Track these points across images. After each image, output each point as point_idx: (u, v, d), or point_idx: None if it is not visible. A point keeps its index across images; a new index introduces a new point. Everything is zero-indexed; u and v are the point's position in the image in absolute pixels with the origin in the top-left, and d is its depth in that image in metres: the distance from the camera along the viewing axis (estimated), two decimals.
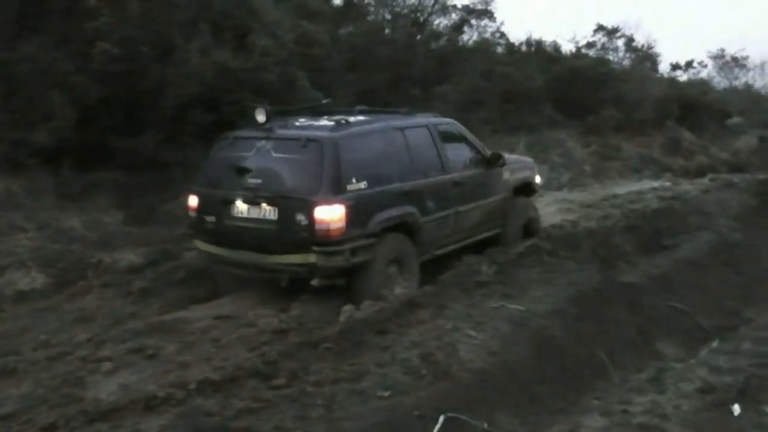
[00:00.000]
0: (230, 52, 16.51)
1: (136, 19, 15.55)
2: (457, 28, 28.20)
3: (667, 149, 29.31)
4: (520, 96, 26.36)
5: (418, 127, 12.61)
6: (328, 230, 10.49)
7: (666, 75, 41.96)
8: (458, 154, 13.13)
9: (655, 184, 22.66)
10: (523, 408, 8.65)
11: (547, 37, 34.67)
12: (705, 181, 23.00)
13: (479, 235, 13.55)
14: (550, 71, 29.29)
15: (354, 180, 10.84)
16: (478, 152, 13.56)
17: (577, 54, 34.14)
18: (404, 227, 11.62)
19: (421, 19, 26.19)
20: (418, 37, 26.11)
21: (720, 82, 53.36)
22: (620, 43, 38.82)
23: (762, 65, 56.87)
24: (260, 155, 11.19)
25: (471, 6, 28.28)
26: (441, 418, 7.79)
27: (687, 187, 21.69)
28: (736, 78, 54.96)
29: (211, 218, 11.41)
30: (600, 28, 38.03)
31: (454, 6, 27.68)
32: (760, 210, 18.09)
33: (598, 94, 28.87)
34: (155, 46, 15.88)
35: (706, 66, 49.32)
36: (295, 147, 10.98)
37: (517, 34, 33.37)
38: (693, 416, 8.32)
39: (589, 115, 27.69)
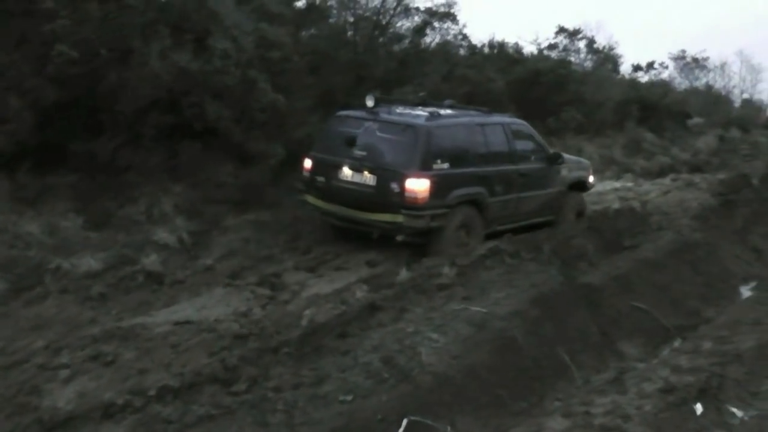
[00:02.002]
0: (190, 55, 16.35)
1: (95, 21, 15.35)
2: (420, 30, 28.04)
3: (628, 150, 29.39)
4: (482, 97, 26.29)
5: (495, 124, 15.32)
6: (415, 198, 13.26)
7: (627, 76, 42.08)
8: (525, 149, 15.71)
9: (617, 184, 22.75)
10: (486, 410, 8.63)
11: (510, 39, 34.55)
12: (666, 181, 23.13)
13: (535, 219, 15.83)
14: (512, 73, 29.26)
15: (439, 161, 13.65)
16: (543, 150, 16.11)
17: (539, 56, 34.15)
18: (475, 203, 14.25)
19: (384, 21, 26.05)
20: (380, 39, 26.00)
21: (681, 83, 53.61)
22: (582, 44, 38.87)
23: (722, 66, 57.29)
24: (367, 133, 14.02)
25: (433, 8, 28.20)
26: (404, 422, 7.76)
27: (648, 187, 21.81)
28: (697, 79, 55.28)
29: (321, 179, 14.28)
30: (562, 29, 38.06)
31: (417, 8, 27.55)
32: (721, 210, 18.17)
33: (559, 95, 28.86)
34: (114, 49, 15.69)
35: (667, 67, 49.46)
36: (395, 130, 13.88)
37: (479, 36, 33.38)
38: (655, 417, 8.33)
39: (550, 116, 27.69)
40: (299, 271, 13.27)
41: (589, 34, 38.75)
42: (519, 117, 17.12)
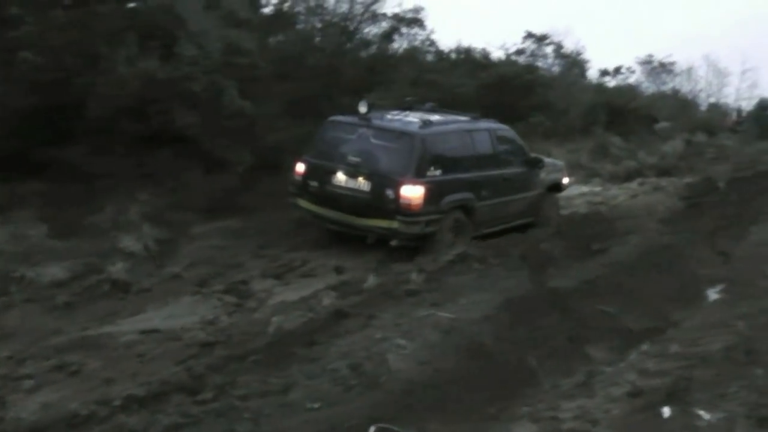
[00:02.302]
0: (157, 62, 16.25)
1: (61, 28, 15.24)
2: (387, 36, 28.07)
3: (595, 155, 29.41)
4: (450, 103, 26.30)
5: (482, 130, 15.82)
6: (410, 204, 13.68)
7: (595, 81, 42.20)
8: (509, 154, 16.26)
9: (584, 189, 22.77)
10: (454, 416, 8.57)
11: (477, 45, 34.61)
12: (633, 185, 23.21)
13: (518, 221, 16.28)
14: (480, 78, 29.26)
15: (432, 168, 14.08)
16: (524, 154, 16.63)
17: (507, 61, 34.17)
18: (464, 208, 14.65)
19: (351, 27, 26.03)
20: (348, 45, 25.97)
21: (648, 87, 53.80)
22: (549, 50, 38.95)
23: (689, 70, 57.58)
24: (361, 139, 14.39)
25: (401, 14, 28.18)
26: (371, 429, 7.69)
27: (615, 191, 21.87)
28: (664, 83, 55.54)
29: (314, 183, 14.58)
30: (529, 35, 38.11)
31: (384, 14, 27.53)
32: (688, 213, 18.26)
33: (527, 100, 28.92)
34: (80, 56, 15.58)
35: (634, 72, 49.65)
36: (390, 137, 14.28)
37: (447, 42, 33.32)
38: (622, 420, 8.31)
39: (518, 121, 27.67)
40: (267, 279, 13.19)
41: (556, 40, 38.85)
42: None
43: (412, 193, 13.69)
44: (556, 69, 38.04)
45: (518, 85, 29.24)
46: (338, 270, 13.54)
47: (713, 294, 14.61)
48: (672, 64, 55.67)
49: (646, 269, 14.13)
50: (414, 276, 11.82)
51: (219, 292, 12.31)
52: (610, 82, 43.51)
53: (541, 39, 38.03)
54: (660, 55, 55.90)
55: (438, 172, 14.19)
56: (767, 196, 22.82)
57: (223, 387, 8.43)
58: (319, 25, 24.66)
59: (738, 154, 33.02)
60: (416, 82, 25.79)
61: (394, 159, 14.07)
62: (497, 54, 35.14)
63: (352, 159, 14.28)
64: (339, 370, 8.77)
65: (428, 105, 16.81)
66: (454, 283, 11.75)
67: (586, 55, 40.75)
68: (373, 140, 14.34)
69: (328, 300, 11.16)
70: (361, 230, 14.23)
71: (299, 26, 24.35)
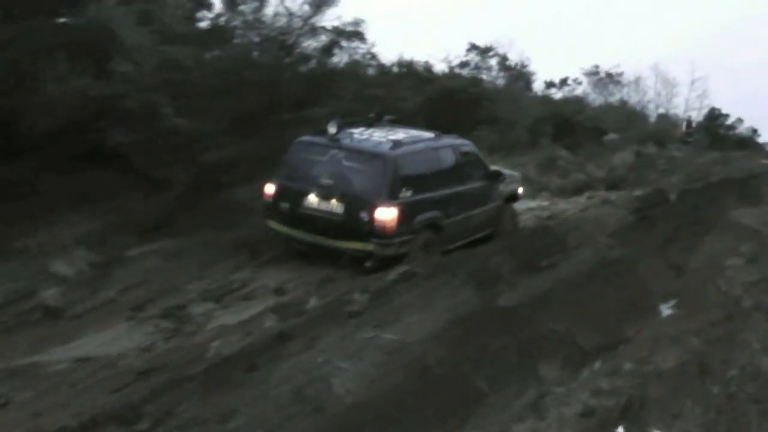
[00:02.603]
0: (90, 79, 16.06)
1: None
2: (327, 50, 27.96)
3: (542, 168, 29.59)
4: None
5: (446, 147, 16.39)
6: (384, 227, 14.15)
7: (540, 93, 42.49)
8: (471, 169, 16.84)
9: (532, 204, 22.84)
10: None
11: (420, 57, 34.74)
12: (582, 199, 23.33)
13: (480, 233, 16.89)
14: (423, 92, 29.33)
15: (404, 189, 14.58)
16: (485, 168, 17.29)
17: (450, 74, 34.30)
18: (433, 226, 15.20)
19: (290, 41, 25.95)
20: (287, 59, 25.89)
21: (595, 98, 54.27)
22: (494, 62, 39.17)
23: (636, 81, 58.14)
24: (333, 161, 14.82)
25: (341, 27, 28.14)
26: None
27: (564, 205, 21.97)
28: (611, 94, 56.02)
29: (285, 205, 14.93)
30: (473, 47, 38.32)
31: (324, 28, 27.48)
32: (638, 226, 18.32)
33: (472, 114, 29.02)
34: (10, 74, 15.37)
35: (581, 83, 50.14)
36: (362, 159, 14.75)
37: (388, 55, 33.39)
38: None
39: (464, 136, 27.79)
40: (205, 302, 13.07)
41: (500, 52, 39.10)
42: None
43: (386, 215, 14.19)
44: (501, 81, 38.27)
45: (463, 99, 29.33)
46: (279, 291, 13.44)
47: (666, 308, 14.65)
48: (619, 74, 56.16)
49: (596, 284, 14.13)
50: (357, 296, 11.72)
51: (155, 317, 12.19)
52: (557, 94, 43.99)
53: (484, 51, 38.28)
54: (607, 66, 56.50)
55: (409, 193, 14.68)
56: (719, 207, 23.06)
57: (160, 416, 8.28)
58: (256, 40, 24.55)
59: (689, 165, 33.37)
60: (358, 97, 25.75)
61: (366, 181, 14.57)
62: (440, 67, 35.30)
63: (325, 181, 14.69)
64: (281, 395, 8.66)
65: (387, 118, 17.30)
66: (399, 303, 11.66)
67: (531, 67, 41.07)
68: (345, 162, 14.80)
69: (268, 323, 11.07)
70: (333, 252, 14.61)
71: (237, 41, 24.22)
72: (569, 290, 13.45)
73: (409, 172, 14.92)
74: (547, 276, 13.78)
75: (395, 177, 14.53)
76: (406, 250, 14.46)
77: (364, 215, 14.24)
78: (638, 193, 22.40)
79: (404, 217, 14.40)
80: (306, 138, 15.74)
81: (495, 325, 11.42)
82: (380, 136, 15.54)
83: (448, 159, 16.29)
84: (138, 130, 16.20)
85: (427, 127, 20.60)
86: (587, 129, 36.42)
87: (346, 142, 15.18)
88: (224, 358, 9.69)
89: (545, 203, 22.81)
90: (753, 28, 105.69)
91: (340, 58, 28.10)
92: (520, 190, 19.20)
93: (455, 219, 15.86)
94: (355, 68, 28.10)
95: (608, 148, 35.53)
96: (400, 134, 15.88)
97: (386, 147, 14.93)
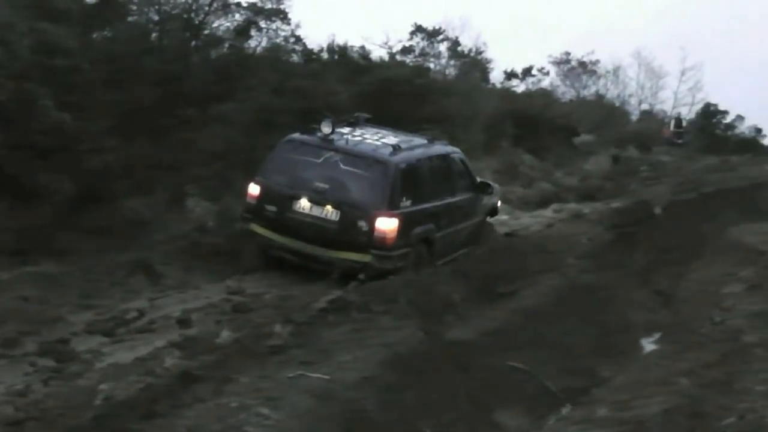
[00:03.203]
0: None
1: None
2: (242, 31, 27.95)
3: (502, 175, 29.89)
4: (322, 115, 26.36)
5: (440, 155, 17.77)
6: (384, 238, 15.24)
7: (500, 85, 42.80)
8: (460, 180, 18.18)
9: (489, 218, 23.11)
10: None
11: (354, 42, 34.77)
12: (548, 212, 23.61)
13: (464, 248, 18.00)
14: (359, 83, 29.46)
15: (404, 198, 15.75)
16: (472, 179, 18.68)
17: (391, 62, 34.46)
18: (426, 240, 16.31)
19: (197, 20, 25.92)
20: (194, 43, 25.87)
21: (566, 92, 54.86)
22: (443, 47, 39.44)
23: (615, 71, 58.75)
24: (328, 164, 15.81)
25: (259, 4, 28.10)
26: None
27: (527, 220, 22.22)
28: (585, 87, 56.57)
29: (272, 208, 15.85)
30: (418, 29, 38.57)
31: (238, 4, 27.44)
32: (616, 246, 18.62)
33: (418, 110, 29.16)
34: None
35: (548, 73, 50.65)
36: (362, 164, 15.74)
37: (316, 39, 33.38)
38: None
39: None
40: (94, 336, 13.04)
41: (451, 35, 39.39)
42: None
43: (387, 225, 15.30)
44: (452, 71, 38.53)
45: (406, 92, 29.45)
46: (183, 323, 13.48)
47: (649, 345, 14.96)
48: (595, 63, 56.86)
49: (565, 315, 14.38)
50: (278, 328, 11.82)
51: (31, 355, 12.12)
52: (519, 87, 44.39)
53: (432, 34, 38.57)
54: (580, 53, 57.00)
55: (408, 203, 15.90)
56: (715, 223, 23.46)
57: None
58: (156, 18, 24.54)
59: (678, 172, 33.81)
60: (280, 89, 25.84)
61: (367, 188, 15.65)
62: (379, 53, 35.47)
63: (319, 185, 15.71)
64: None
65: (362, 117, 18.25)
66: (329, 337, 11.78)
67: (489, 54, 41.43)
68: (342, 166, 15.81)
69: (171, 360, 11.12)
70: (325, 263, 15.55)
71: (132, 19, 24.19)
72: (533, 322, 13.68)
73: (409, 180, 16.14)
74: (506, 305, 14.00)
75: (397, 185, 15.69)
76: (403, 264, 15.53)
77: (362, 224, 15.31)
78: (616, 205, 22.76)
79: (404, 229, 15.53)
80: (296, 136, 16.69)
81: (443, 364, 11.58)
82: (375, 139, 16.69)
83: (441, 168, 17.65)
84: (9, 126, 16.16)
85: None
86: (556, 129, 36.81)
87: (341, 144, 16.19)
88: (117, 404, 9.72)
89: (505, 217, 23.06)
90: (757, 6, 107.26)
91: (258, 42, 28.22)
92: (499, 204, 20.55)
93: (445, 232, 17.00)
94: (276, 54, 28.19)
95: (581, 152, 36.03)
96: (392, 138, 17.03)
97: (387, 152, 16.05)
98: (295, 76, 27.04)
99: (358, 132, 17.05)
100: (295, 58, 30.02)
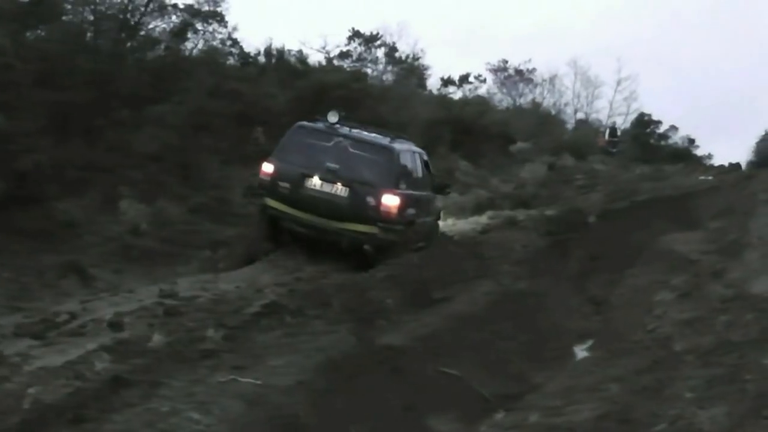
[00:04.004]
0: None
1: None
2: (179, 33, 27.83)
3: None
4: (258, 118, 26.33)
5: (415, 152, 20.02)
6: (389, 212, 17.32)
7: (437, 92, 42.85)
8: (427, 177, 20.36)
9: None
10: None
11: (292, 46, 34.73)
12: (484, 219, 23.65)
13: (422, 242, 19.27)
14: (295, 88, 29.41)
15: (402, 181, 18.10)
16: (434, 179, 20.84)
17: (328, 66, 34.43)
18: (412, 223, 18.32)
19: (133, 21, 25.77)
20: (129, 44, 25.73)
21: (502, 99, 55.05)
22: (381, 53, 39.48)
23: (552, 79, 59.05)
24: (339, 148, 17.87)
25: (196, 6, 27.93)
26: None
27: (462, 226, 22.24)
28: (522, 95, 56.85)
29: (285, 185, 17.70)
30: (356, 34, 38.57)
31: (175, 6, 27.26)
32: (550, 252, 18.71)
33: (353, 115, 28.99)
34: None
35: (485, 81, 50.81)
36: (371, 149, 18.12)
37: (253, 42, 33.26)
38: None
39: None
40: (22, 339, 12.85)
41: (389, 41, 39.41)
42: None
43: (392, 201, 17.41)
44: (388, 77, 38.54)
45: (342, 96, 29.41)
46: (115, 326, 13.33)
47: (582, 351, 15.04)
48: (531, 71, 57.09)
49: (499, 322, 14.42)
50: (211, 332, 11.76)
51: None
52: (456, 94, 44.47)
53: (370, 40, 38.57)
54: (517, 61, 57.28)
55: (404, 186, 18.18)
56: (648, 231, 23.62)
57: None
58: (91, 18, 24.37)
59: (612, 181, 33.99)
60: (215, 92, 25.76)
61: (375, 169, 17.80)
62: (317, 57, 35.44)
63: (331, 165, 17.63)
64: None
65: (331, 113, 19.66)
66: (262, 342, 11.73)
67: (426, 61, 41.52)
68: (351, 150, 17.92)
69: (101, 364, 10.97)
70: (335, 234, 17.55)
71: (66, 18, 24.00)
72: (466, 329, 13.69)
73: (405, 166, 18.65)
74: (440, 311, 14.00)
75: (398, 168, 18.15)
76: (400, 239, 17.58)
77: (370, 200, 17.37)
78: (551, 213, 22.84)
79: (403, 207, 17.70)
80: (307, 123, 18.81)
81: (376, 369, 11.56)
82: (367, 132, 19.08)
83: (417, 164, 19.88)
84: None
85: None
86: (492, 136, 36.89)
87: (347, 131, 18.48)
88: (45, 408, 9.59)
89: (440, 223, 23.10)
90: (694, 19, 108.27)
91: (194, 44, 28.09)
92: (442, 212, 22.65)
93: (420, 221, 19.09)
94: (212, 57, 28.08)
95: (516, 159, 36.13)
96: (372, 133, 19.30)
97: (388, 140, 18.69)
98: (231, 79, 26.98)
99: (347, 126, 18.88)
100: (231, 61, 29.94)
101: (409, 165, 19.19)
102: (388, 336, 12.52)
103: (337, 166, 17.63)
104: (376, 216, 17.35)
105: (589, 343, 15.40)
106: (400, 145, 18.95)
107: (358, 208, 17.42)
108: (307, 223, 17.71)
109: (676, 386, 12.60)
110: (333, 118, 18.41)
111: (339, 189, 17.53)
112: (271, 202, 17.98)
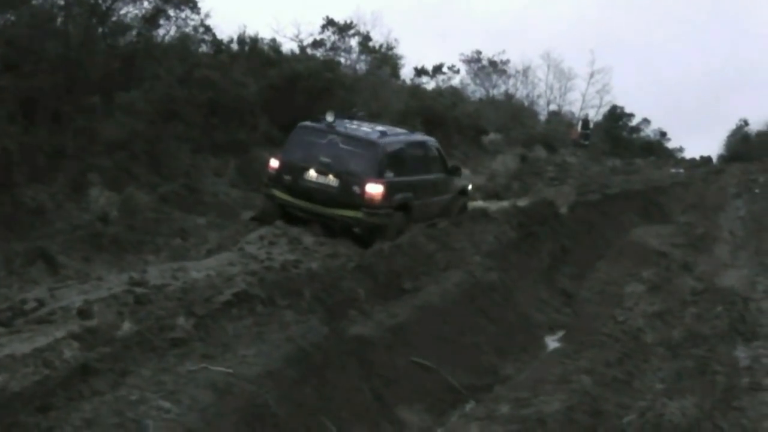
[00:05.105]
0: None
1: None
2: (150, 19, 27.64)
3: None
4: (229, 107, 26.22)
5: (418, 141, 22.91)
6: (372, 199, 19.66)
7: (410, 82, 42.81)
8: (435, 162, 22.80)
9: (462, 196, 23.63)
10: None
11: (265, 34, 34.58)
12: None
13: (435, 218, 21.37)
14: (267, 77, 29.30)
15: (388, 170, 20.21)
16: (445, 162, 23.21)
17: (301, 55, 34.31)
18: (406, 205, 20.69)
19: (104, 7, 25.60)
20: (100, 30, 25.56)
21: (475, 90, 55.04)
22: (354, 42, 39.41)
23: (525, 71, 59.09)
24: (331, 144, 20.33)
25: None
26: None
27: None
28: (495, 86, 56.85)
29: (288, 177, 20.35)
30: (330, 22, 38.47)
31: None
32: (521, 245, 18.72)
33: (325, 104, 29.00)
34: None
35: (458, 71, 50.77)
36: (357, 144, 20.35)
37: (226, 29, 33.09)
38: None
39: None
40: None
41: (363, 30, 39.32)
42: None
43: (374, 189, 19.66)
44: (362, 66, 38.48)
45: (315, 86, 29.36)
46: (84, 314, 13.26)
47: (552, 343, 15.10)
48: (505, 63, 57.12)
49: (469, 313, 14.42)
50: (181, 321, 11.68)
51: None
52: (429, 84, 44.43)
53: (343, 29, 38.48)
54: (490, 52, 57.30)
55: (391, 174, 20.26)
56: (618, 224, 23.71)
57: None
58: (62, 3, 24.23)
59: (584, 174, 34.09)
60: (186, 80, 25.65)
61: (359, 161, 20.11)
62: (290, 46, 35.31)
63: (324, 159, 20.15)
64: None
65: (359, 113, 23.72)
66: (232, 331, 11.67)
67: (399, 50, 41.48)
68: (341, 145, 20.34)
69: (69, 352, 10.90)
70: (328, 218, 20.07)
71: (36, 2, 23.86)
72: (437, 319, 13.68)
73: (392, 157, 20.70)
74: (411, 302, 13.97)
75: (382, 160, 20.23)
76: (388, 222, 19.85)
77: (356, 188, 19.73)
78: (522, 204, 22.85)
79: (388, 193, 19.87)
80: (308, 123, 21.33)
81: (347, 359, 11.56)
82: (368, 128, 21.41)
83: (419, 151, 22.40)
84: None
85: (271, 120, 22.58)
86: (464, 127, 36.85)
87: (341, 129, 20.88)
88: (11, 396, 9.53)
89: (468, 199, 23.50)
90: (668, 12, 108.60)
91: (166, 31, 27.93)
92: (470, 186, 25.41)
93: (421, 202, 21.31)
94: (184, 44, 27.94)
95: (488, 151, 36.15)
96: (381, 128, 21.82)
97: (375, 135, 20.80)
98: (203, 67, 26.85)
99: (356, 123, 21.75)
100: (203, 48, 29.81)
101: (403, 154, 21.44)
102: (358, 326, 12.49)
103: (329, 160, 20.15)
104: (361, 202, 19.70)
105: (560, 334, 15.45)
106: (389, 139, 21.20)
107: (346, 195, 19.84)
108: (306, 210, 20.25)
109: (646, 378, 12.70)
110: (330, 117, 20.81)
111: (331, 179, 19.98)
112: (277, 193, 20.66)
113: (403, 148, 21.83)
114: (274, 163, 21.05)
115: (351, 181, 20.01)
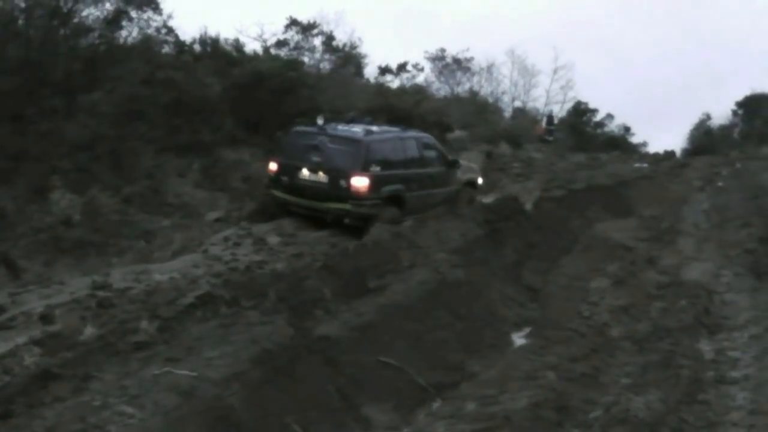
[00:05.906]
0: None
1: None
2: (113, 21, 27.54)
3: None
4: (193, 107, 26.11)
5: (410, 137, 23.63)
6: (358, 192, 20.59)
7: (374, 80, 42.75)
8: (431, 157, 23.80)
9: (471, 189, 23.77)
10: None
11: (228, 34, 34.45)
12: None
13: (440, 206, 22.54)
14: (231, 76, 29.21)
15: (374, 165, 21.11)
16: (444, 157, 24.28)
17: (265, 55, 34.19)
18: (397, 197, 21.63)
19: (65, 8, 25.49)
20: (62, 31, 25.45)
21: (440, 88, 55.04)
22: (318, 41, 39.33)
23: (489, 68, 59.15)
24: (321, 144, 21.38)
25: None
26: None
27: None
28: (459, 83, 56.89)
29: (285, 178, 21.49)
30: (293, 22, 38.38)
31: None
32: (487, 241, 18.69)
33: (289, 104, 28.97)
34: None
35: (422, 69, 50.66)
36: (343, 142, 21.40)
37: (188, 30, 32.92)
38: None
39: (278, 130, 27.74)
40: None
41: (326, 29, 39.24)
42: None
43: (359, 183, 20.60)
44: (326, 66, 38.39)
45: (278, 85, 29.27)
46: (46, 319, 13.16)
47: (518, 339, 15.04)
48: (469, 60, 57.12)
49: (435, 310, 14.37)
50: (144, 324, 11.63)
51: None
52: (393, 82, 44.31)
53: (307, 28, 38.35)
54: (455, 50, 57.32)
55: (378, 169, 21.18)
56: (583, 219, 23.72)
57: None
58: (23, 5, 24.11)
59: (549, 169, 34.11)
60: (149, 80, 25.53)
61: (345, 158, 21.11)
62: (254, 46, 35.19)
63: (315, 158, 21.27)
64: None
65: (366, 120, 24.48)
66: (196, 333, 11.64)
67: (363, 49, 41.39)
68: (330, 145, 21.41)
69: (31, 358, 10.84)
70: (321, 212, 21.08)
71: None
72: (402, 317, 13.63)
73: (378, 153, 21.67)
74: (376, 300, 13.93)
75: (366, 155, 21.14)
76: (376, 212, 20.72)
77: (343, 183, 20.65)
78: (487, 201, 22.87)
79: (374, 186, 20.82)
80: (301, 128, 22.75)
81: (312, 359, 11.51)
82: (359, 128, 22.35)
83: (412, 147, 23.22)
84: None
85: (235, 120, 22.52)
86: (429, 124, 36.65)
87: (330, 131, 21.96)
88: None
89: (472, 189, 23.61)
90: (631, 7, 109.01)
91: (128, 32, 27.80)
92: (480, 180, 26.30)
93: (416, 194, 22.19)
94: (147, 45, 27.82)
95: (453, 148, 36.04)
96: (374, 128, 22.87)
97: (361, 134, 21.80)
98: (166, 68, 26.73)
99: (349, 125, 22.79)
100: (166, 49, 29.68)
101: (390, 150, 22.34)
102: (324, 326, 12.45)
103: (319, 159, 21.32)
104: (348, 195, 20.70)
105: (526, 330, 15.42)
106: (375, 136, 22.14)
107: (335, 189, 20.86)
108: (302, 206, 21.46)
109: (611, 373, 12.69)
110: (320, 121, 22.13)
111: (321, 176, 21.07)
112: (277, 193, 21.96)
113: (390, 144, 22.73)
114: (272, 165, 22.23)
115: (338, 176, 21.00)
